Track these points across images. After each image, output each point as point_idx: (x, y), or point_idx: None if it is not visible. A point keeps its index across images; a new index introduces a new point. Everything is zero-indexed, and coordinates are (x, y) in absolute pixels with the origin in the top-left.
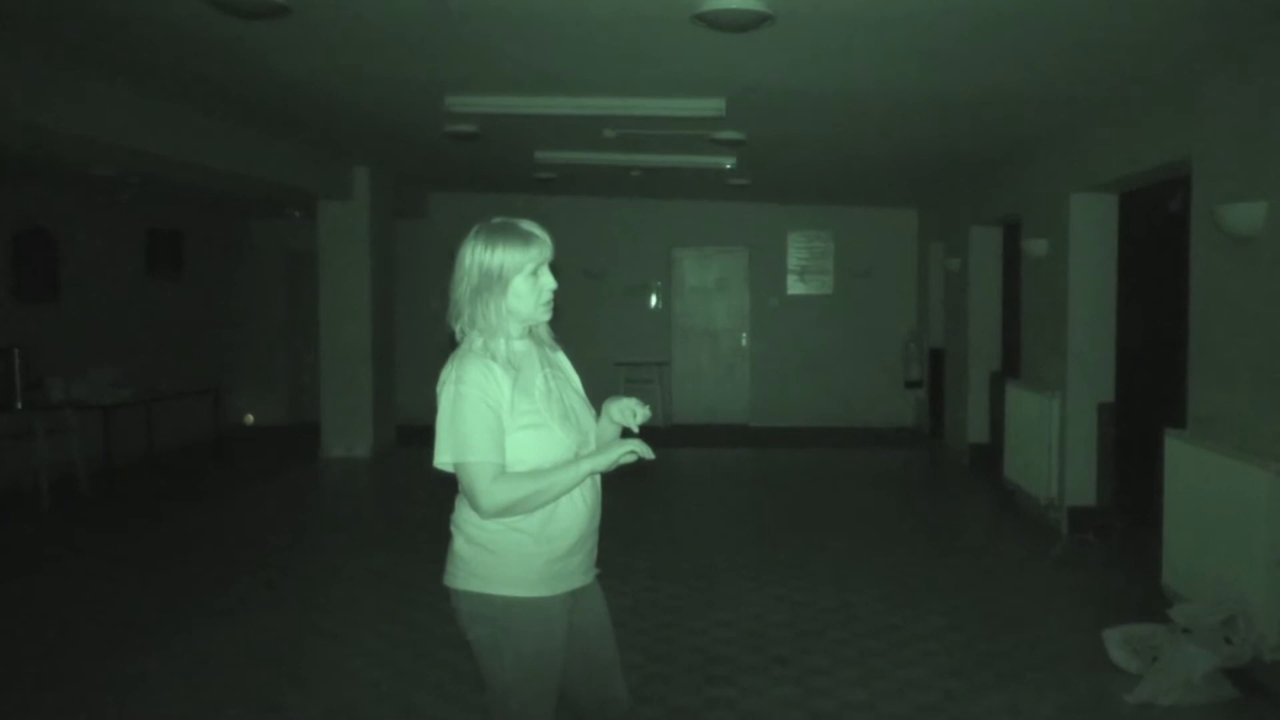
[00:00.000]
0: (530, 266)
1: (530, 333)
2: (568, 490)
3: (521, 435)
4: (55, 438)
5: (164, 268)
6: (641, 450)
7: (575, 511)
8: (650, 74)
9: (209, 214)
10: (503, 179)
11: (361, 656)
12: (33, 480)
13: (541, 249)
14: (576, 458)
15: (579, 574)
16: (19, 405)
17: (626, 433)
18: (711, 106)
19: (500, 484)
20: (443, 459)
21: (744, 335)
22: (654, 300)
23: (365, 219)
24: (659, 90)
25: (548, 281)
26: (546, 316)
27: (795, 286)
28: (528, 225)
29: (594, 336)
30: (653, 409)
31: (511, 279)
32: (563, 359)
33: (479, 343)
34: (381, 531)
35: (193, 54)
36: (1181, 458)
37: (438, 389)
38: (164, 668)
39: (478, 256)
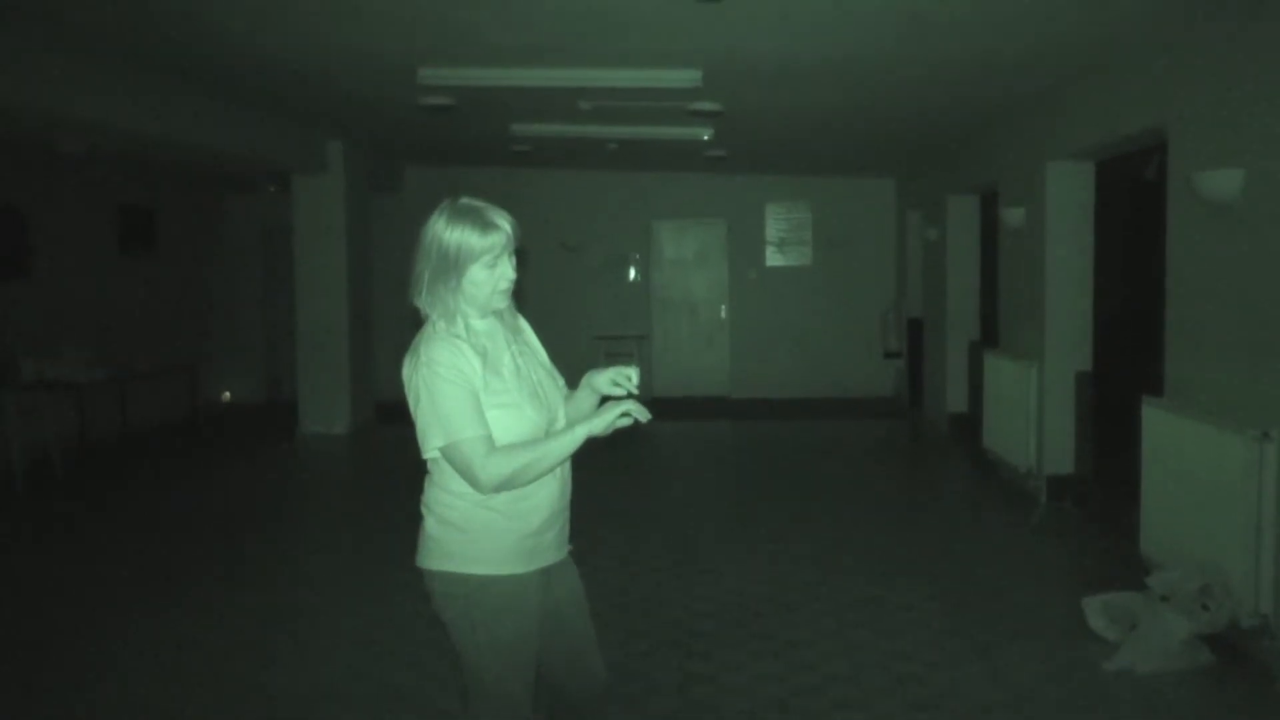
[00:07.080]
0: (488, 257)
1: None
2: (564, 457)
3: (493, 415)
4: (28, 418)
5: (136, 245)
6: (637, 412)
7: (546, 488)
8: (625, 45)
9: (182, 190)
10: (479, 152)
11: (341, 636)
12: (5, 461)
13: (501, 240)
14: (570, 424)
15: (552, 550)
16: None
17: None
18: (687, 77)
19: (496, 457)
20: (434, 444)
21: (723, 307)
22: (632, 273)
23: (340, 193)
24: (634, 61)
25: (506, 272)
26: (502, 305)
27: (774, 258)
28: (493, 213)
29: (572, 310)
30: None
31: (468, 266)
32: (527, 331)
33: (441, 325)
34: (360, 510)
35: (160, 24)
36: (1159, 425)
37: (405, 378)
38: (141, 649)
39: (437, 236)
